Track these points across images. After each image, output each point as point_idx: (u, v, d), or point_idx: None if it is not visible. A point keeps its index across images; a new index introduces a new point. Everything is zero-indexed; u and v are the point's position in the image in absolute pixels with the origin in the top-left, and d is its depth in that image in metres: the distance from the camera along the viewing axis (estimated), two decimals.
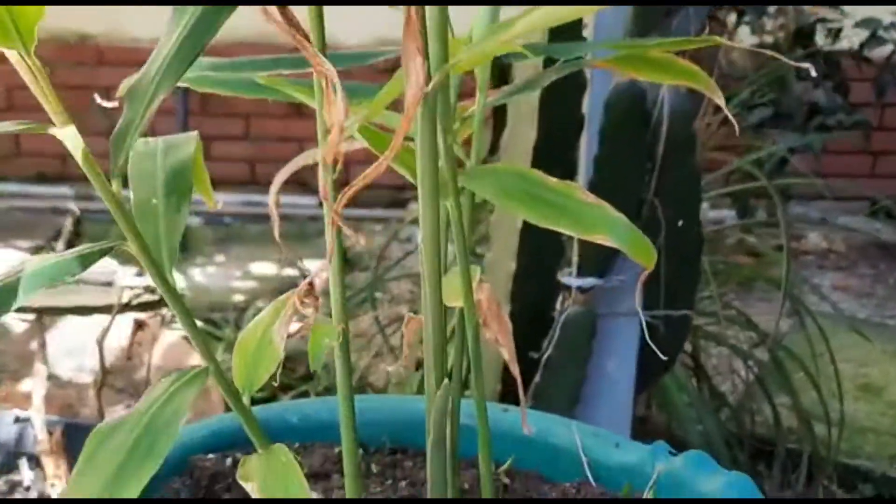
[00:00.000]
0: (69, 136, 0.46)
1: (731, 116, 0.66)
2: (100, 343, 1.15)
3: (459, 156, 0.65)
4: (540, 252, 1.29)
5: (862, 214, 4.13)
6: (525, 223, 1.27)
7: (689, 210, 1.25)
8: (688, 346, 2.10)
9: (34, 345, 2.04)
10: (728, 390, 2.36)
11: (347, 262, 3.70)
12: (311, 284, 0.57)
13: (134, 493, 0.45)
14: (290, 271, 3.60)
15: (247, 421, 0.56)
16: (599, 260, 1.27)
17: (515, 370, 0.65)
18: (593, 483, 0.83)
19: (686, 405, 1.90)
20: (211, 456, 0.86)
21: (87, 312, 1.71)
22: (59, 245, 2.75)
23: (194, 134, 0.57)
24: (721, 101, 0.63)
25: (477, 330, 0.61)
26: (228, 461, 0.86)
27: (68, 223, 2.57)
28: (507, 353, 0.64)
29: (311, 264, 3.76)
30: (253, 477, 0.49)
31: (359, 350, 2.48)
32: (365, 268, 3.53)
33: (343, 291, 0.51)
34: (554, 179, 0.60)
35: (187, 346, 2.47)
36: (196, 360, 2.37)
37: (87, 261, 0.49)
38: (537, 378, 1.28)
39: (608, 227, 0.56)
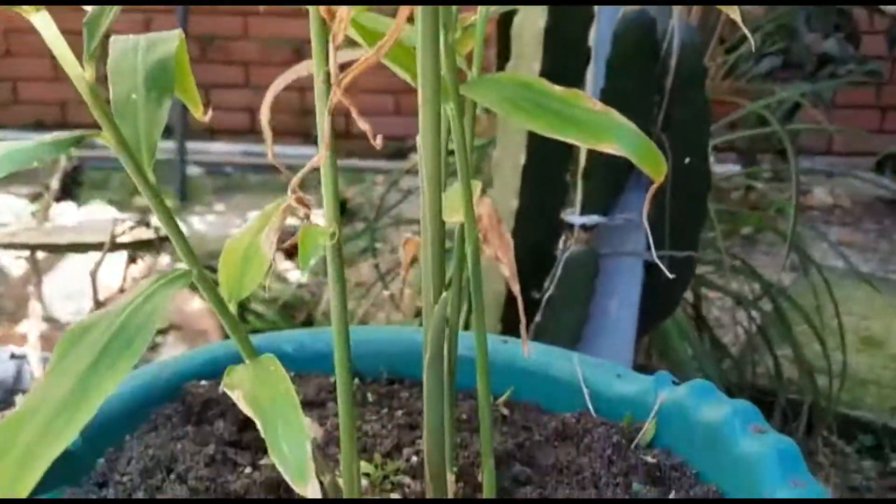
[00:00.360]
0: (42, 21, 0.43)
1: (747, 33, 0.63)
2: (93, 275, 1.13)
3: (461, 67, 0.62)
4: (542, 190, 1.26)
5: (868, 170, 4.09)
6: (527, 161, 1.24)
7: (697, 146, 1.21)
8: (689, 296, 2.09)
9: (31, 287, 2.03)
10: (730, 342, 2.35)
11: (347, 212, 3.67)
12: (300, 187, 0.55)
13: (108, 390, 0.43)
14: (292, 220, 3.58)
15: (233, 330, 0.54)
16: (603, 198, 1.24)
17: (516, 288, 0.62)
18: (594, 414, 0.81)
19: (687, 355, 1.89)
20: (204, 383, 0.85)
21: (82, 250, 1.69)
22: (53, 183, 2.72)
23: (177, 31, 0.54)
24: (737, 16, 0.59)
25: (477, 247, 0.58)
26: (222, 388, 0.84)
27: (62, 162, 2.53)
28: (508, 269, 0.62)
29: (313, 213, 3.74)
30: (239, 385, 0.47)
31: (358, 298, 2.47)
32: (365, 219, 3.51)
33: (335, 187, 0.48)
34: (559, 88, 0.57)
35: (184, 292, 2.46)
36: (195, 304, 2.35)
37: (60, 146, 0.46)
38: (538, 317, 1.26)
39: (616, 134, 0.53)
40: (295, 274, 3.04)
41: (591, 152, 1.19)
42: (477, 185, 0.62)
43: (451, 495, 0.63)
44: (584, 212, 1.24)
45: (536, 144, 1.18)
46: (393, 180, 2.80)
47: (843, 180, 3.83)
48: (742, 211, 2.61)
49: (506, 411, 0.84)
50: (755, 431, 0.68)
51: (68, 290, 2.28)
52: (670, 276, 1.31)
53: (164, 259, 2.89)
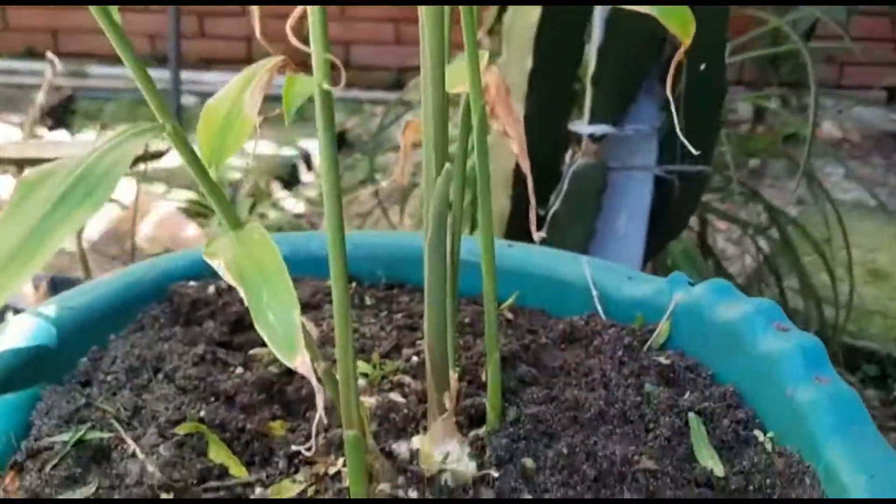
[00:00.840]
0: None
1: None
2: None
3: None
4: (550, 97, 1.20)
5: (879, 104, 4.00)
6: (534, 65, 1.18)
7: (714, 52, 1.15)
8: (695, 224, 2.04)
9: None
10: (736, 273, 2.31)
11: (346, 143, 3.60)
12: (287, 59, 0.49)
13: (61, 239, 0.39)
14: (288, 150, 3.51)
15: (214, 197, 0.49)
16: (613, 106, 1.18)
17: (526, 165, 0.58)
18: (603, 316, 0.77)
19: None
20: (192, 283, 0.81)
21: None
22: (39, 97, 2.65)
23: None
24: None
25: (483, 119, 0.53)
26: (211, 289, 0.80)
27: (48, 72, 2.45)
28: (517, 145, 0.57)
29: (310, 144, 3.67)
30: (221, 253, 0.43)
31: (357, 227, 2.43)
32: (364, 150, 3.44)
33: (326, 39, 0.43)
34: None
35: (180, 218, 2.42)
36: (190, 230, 2.30)
37: None
38: (543, 233, 1.21)
39: None
40: (291, 202, 2.99)
41: (601, 57, 1.13)
42: (484, 55, 0.57)
43: (453, 393, 0.59)
44: (592, 121, 1.19)
45: (545, 47, 1.12)
46: (393, 112, 2.72)
47: (853, 114, 3.75)
48: (752, 136, 2.54)
49: (510, 316, 0.80)
50: (778, 329, 0.64)
51: None
52: (681, 192, 1.27)
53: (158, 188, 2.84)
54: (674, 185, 1.25)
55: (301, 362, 0.39)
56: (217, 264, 0.42)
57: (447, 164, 0.49)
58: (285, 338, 0.39)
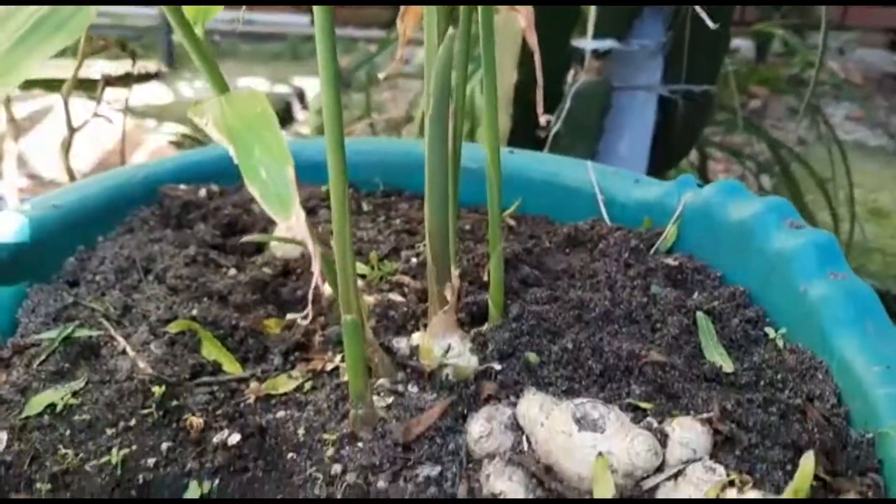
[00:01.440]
0: None
1: None
2: (65, 99, 1.05)
3: None
4: (553, 14, 1.16)
5: (881, 47, 3.94)
6: None
7: None
8: (695, 158, 2.01)
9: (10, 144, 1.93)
10: None
11: (341, 82, 3.53)
12: None
13: (31, 70, 0.35)
14: (282, 88, 3.45)
15: (200, 57, 0.46)
16: (618, 20, 1.14)
17: (533, 40, 0.54)
18: (608, 221, 0.74)
19: None
20: (183, 186, 0.78)
21: (55, 87, 1.58)
22: None
23: None
24: None
25: None
26: (202, 192, 0.78)
27: None
28: (525, 18, 0.53)
29: (304, 82, 3.61)
30: (208, 111, 0.40)
31: None
32: (360, 89, 3.37)
33: None
34: None
35: (173, 150, 2.37)
36: None
37: None
38: (549, 117, 1.18)
39: None
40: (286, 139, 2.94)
41: None
42: None
43: (454, 286, 0.57)
44: (597, 36, 1.15)
45: None
46: (386, 46, 2.66)
47: (855, 56, 3.69)
48: (755, 69, 2.50)
49: (512, 223, 0.78)
50: (791, 226, 0.62)
51: (52, 149, 2.19)
52: (686, 114, 1.23)
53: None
54: (678, 105, 1.21)
55: (295, 220, 0.37)
56: (204, 122, 0.39)
57: (451, 29, 0.46)
58: (278, 194, 0.36)
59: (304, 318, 0.43)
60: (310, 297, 0.38)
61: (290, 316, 0.64)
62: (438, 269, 0.56)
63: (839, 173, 2.06)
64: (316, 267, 0.38)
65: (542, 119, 0.56)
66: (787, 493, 0.43)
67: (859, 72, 3.62)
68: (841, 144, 2.06)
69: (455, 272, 0.59)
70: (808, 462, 0.41)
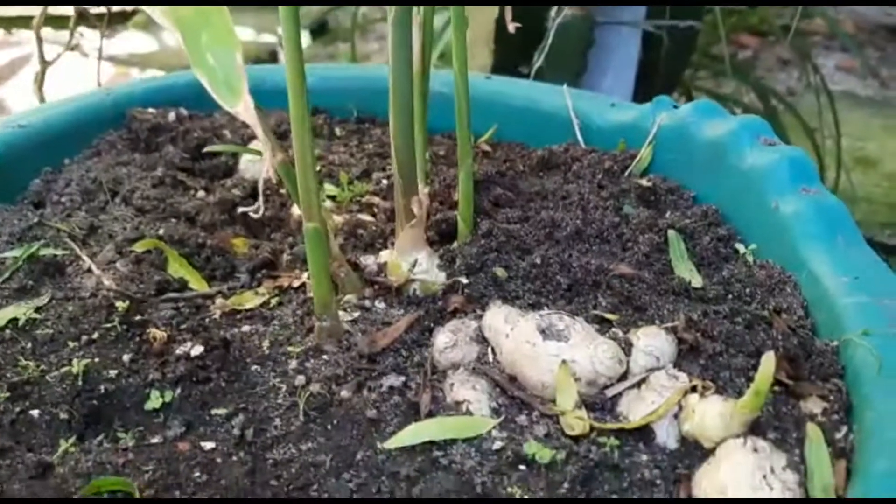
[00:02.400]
0: None
1: None
2: (36, 32, 1.02)
3: None
4: None
5: None
6: None
7: None
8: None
9: None
10: None
11: (329, 33, 3.48)
12: None
13: None
14: (268, 37, 3.40)
15: None
16: None
17: None
18: (582, 144, 0.73)
19: None
20: (152, 110, 0.76)
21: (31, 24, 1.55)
22: None
23: None
24: None
25: None
26: (171, 115, 0.76)
27: None
28: None
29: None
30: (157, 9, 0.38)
31: None
32: (346, 39, 3.32)
33: None
34: None
35: None
36: None
37: None
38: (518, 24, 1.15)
39: None
40: None
41: None
42: None
43: (422, 199, 0.56)
44: None
45: None
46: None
47: (848, 6, 3.64)
48: (743, 13, 2.47)
49: (488, 148, 0.77)
50: (764, 143, 0.61)
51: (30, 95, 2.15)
52: (670, 51, 1.22)
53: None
54: (663, 42, 1.19)
55: (244, 107, 0.36)
56: (151, 10, 0.38)
57: None
58: (226, 81, 0.35)
59: (255, 211, 0.42)
60: (260, 186, 0.37)
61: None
62: (405, 180, 0.55)
63: (827, 122, 2.04)
64: (267, 154, 0.37)
65: (511, 27, 0.55)
66: (748, 394, 0.43)
67: (852, 21, 3.59)
68: (830, 93, 2.04)
69: (423, 188, 0.58)
70: (767, 361, 0.41)
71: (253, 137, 0.74)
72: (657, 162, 0.69)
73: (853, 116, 2.76)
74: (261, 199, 0.39)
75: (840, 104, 2.56)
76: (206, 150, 0.67)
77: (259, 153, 0.62)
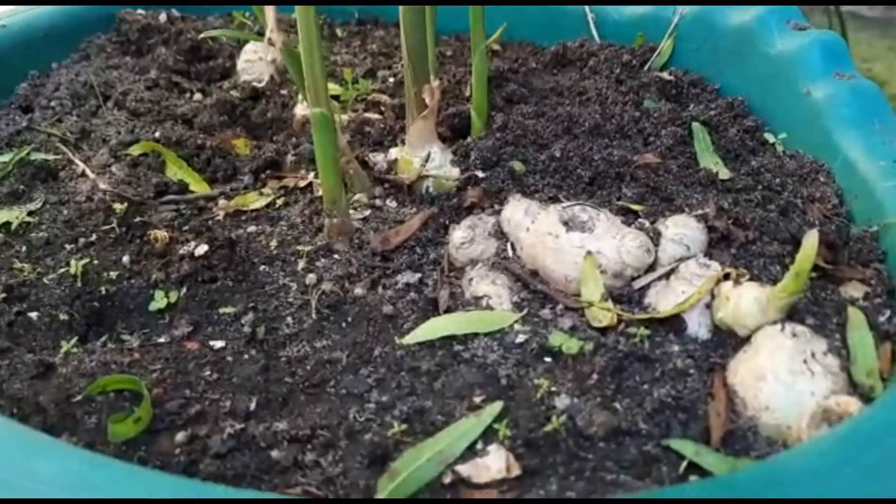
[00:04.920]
0: None
1: None
2: None
3: None
4: None
5: None
6: None
7: None
8: None
9: None
10: None
11: None
12: None
13: None
14: None
15: None
16: None
17: None
18: (597, 39, 0.70)
19: None
20: (141, 11, 0.72)
21: None
22: None
23: None
24: None
25: None
26: (163, 16, 0.72)
27: None
28: None
29: None
30: None
31: None
32: None
33: None
34: None
35: None
36: None
37: None
38: None
39: None
40: None
41: None
42: None
43: (435, 101, 0.53)
44: None
45: None
46: None
47: None
48: None
49: (497, 47, 0.73)
50: (794, 28, 0.58)
51: None
52: None
53: None
54: None
55: None
56: None
57: None
58: None
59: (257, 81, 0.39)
60: (268, 36, 0.34)
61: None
62: (415, 67, 0.52)
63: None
64: (273, 31, 0.34)
65: None
66: (788, 277, 0.40)
67: None
68: (840, 14, 1.98)
69: (435, 85, 0.54)
70: (810, 240, 0.38)
71: (247, 42, 0.70)
72: (679, 54, 0.65)
73: (859, 37, 2.70)
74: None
75: (847, 25, 2.49)
76: (203, 35, 0.63)
77: (260, 38, 0.58)
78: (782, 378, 0.39)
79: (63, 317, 0.46)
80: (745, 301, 0.42)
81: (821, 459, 0.30)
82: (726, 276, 0.44)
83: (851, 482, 0.29)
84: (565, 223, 0.48)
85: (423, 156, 0.54)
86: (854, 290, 0.44)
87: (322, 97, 0.45)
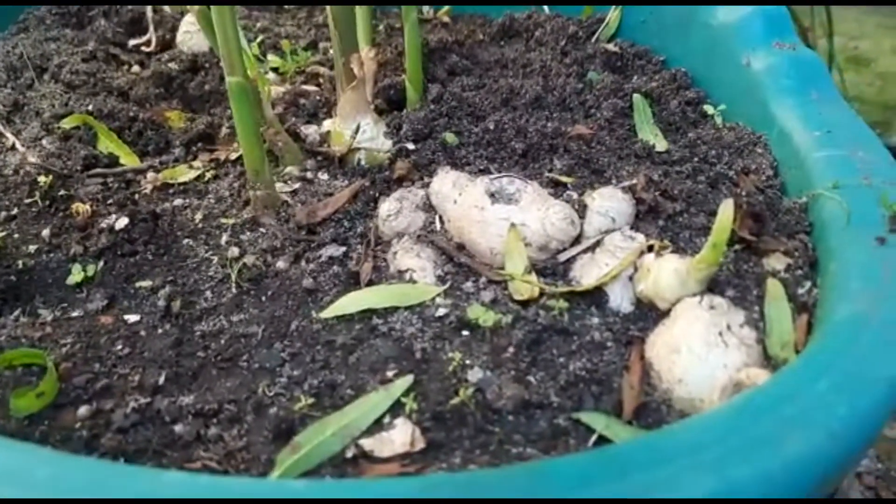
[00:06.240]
0: None
1: None
2: None
3: None
4: None
5: None
6: None
7: None
8: None
9: None
10: None
11: None
12: None
13: None
14: None
15: None
16: None
17: None
18: (546, 10, 0.68)
19: None
20: None
21: None
22: None
23: None
24: None
25: None
26: None
27: None
28: None
29: None
30: None
31: None
32: None
33: None
34: None
35: None
36: None
37: None
38: None
39: None
40: None
41: None
42: None
43: (365, 71, 0.52)
44: None
45: None
46: None
47: None
48: None
49: (447, 20, 0.72)
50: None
51: None
52: None
53: None
54: None
55: None
56: None
57: None
58: None
59: (147, 44, 0.38)
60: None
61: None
62: (342, 36, 0.50)
63: (821, 21, 1.97)
64: None
65: None
66: (705, 248, 0.39)
67: None
68: None
69: (366, 48, 0.53)
70: (725, 209, 0.37)
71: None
72: (626, 26, 0.64)
73: (847, 14, 2.68)
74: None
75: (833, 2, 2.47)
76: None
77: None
78: (696, 350, 0.38)
79: None
80: (665, 273, 0.42)
81: (708, 430, 0.29)
82: (650, 249, 0.44)
83: (735, 453, 0.28)
84: (492, 195, 0.47)
85: (353, 127, 0.53)
86: (777, 262, 0.43)
87: (237, 66, 0.44)
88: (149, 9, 0.32)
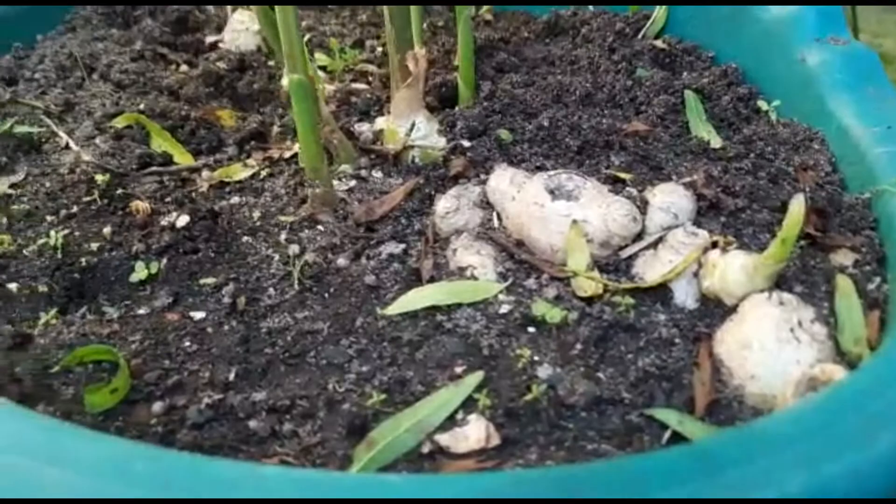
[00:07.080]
0: None
1: None
2: None
3: None
4: None
5: None
6: None
7: None
8: None
9: None
10: None
11: None
12: None
13: None
14: None
15: None
16: None
17: None
18: (591, 7, 0.68)
19: None
20: None
21: None
22: None
23: None
24: None
25: None
26: None
27: None
28: None
29: None
30: None
31: None
32: None
33: None
34: None
35: None
36: None
37: None
38: None
39: None
40: None
41: None
42: None
43: (419, 68, 0.52)
44: None
45: None
46: None
47: None
48: None
49: (489, 17, 0.72)
50: None
51: None
52: None
53: None
54: None
55: None
56: None
57: None
58: None
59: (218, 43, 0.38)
60: None
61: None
62: (398, 34, 0.51)
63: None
64: None
65: None
66: (774, 244, 0.39)
67: None
68: None
69: (420, 46, 0.53)
70: (796, 205, 0.37)
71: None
72: (673, 22, 0.64)
73: (868, 13, 2.67)
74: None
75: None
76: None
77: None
78: (768, 346, 0.38)
79: (43, 288, 0.46)
80: (731, 269, 0.42)
81: (796, 426, 0.29)
82: (714, 245, 0.44)
83: (825, 449, 0.28)
84: (551, 192, 0.47)
85: (407, 125, 0.53)
86: (844, 258, 0.43)
87: (299, 63, 0.44)
88: (211, 8, 0.32)
